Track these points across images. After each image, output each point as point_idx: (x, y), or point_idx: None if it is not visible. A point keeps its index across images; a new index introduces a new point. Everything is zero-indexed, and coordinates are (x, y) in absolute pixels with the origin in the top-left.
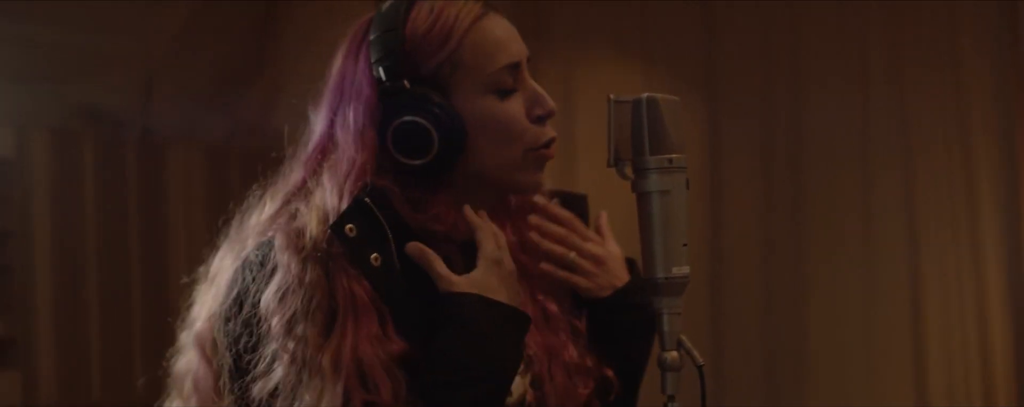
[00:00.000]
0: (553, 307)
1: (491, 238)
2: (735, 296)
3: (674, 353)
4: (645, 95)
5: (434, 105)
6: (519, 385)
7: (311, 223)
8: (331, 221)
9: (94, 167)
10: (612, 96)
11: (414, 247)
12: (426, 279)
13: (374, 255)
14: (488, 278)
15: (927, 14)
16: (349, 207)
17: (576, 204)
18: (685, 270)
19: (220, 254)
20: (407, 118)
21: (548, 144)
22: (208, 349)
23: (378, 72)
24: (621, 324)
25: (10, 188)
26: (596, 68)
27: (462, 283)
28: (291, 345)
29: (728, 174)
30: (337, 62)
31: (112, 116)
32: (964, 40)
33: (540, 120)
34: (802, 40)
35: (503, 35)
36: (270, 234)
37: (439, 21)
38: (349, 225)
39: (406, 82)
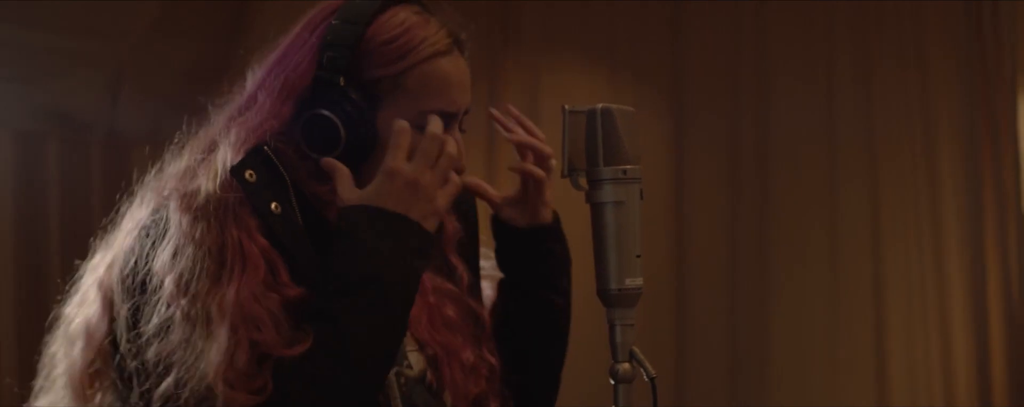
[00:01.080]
0: (451, 312)
1: (397, 148)
2: (699, 301)
3: (627, 365)
4: (600, 106)
5: (355, 110)
6: (419, 360)
7: (206, 180)
8: (222, 178)
9: (58, 169)
10: (567, 106)
11: (327, 162)
12: (325, 240)
13: (273, 203)
14: (380, 189)
15: (893, 17)
16: (249, 153)
17: (462, 205)
18: (638, 282)
19: (136, 204)
20: (323, 112)
21: None
22: (111, 298)
23: (322, 57)
24: (555, 253)
25: None
26: (562, 74)
27: (352, 198)
28: (184, 302)
29: (693, 178)
30: (294, 29)
31: (77, 117)
32: (930, 43)
33: None
34: (769, 45)
35: (455, 80)
36: (166, 197)
37: (401, 39)
38: (248, 171)
39: (342, 79)
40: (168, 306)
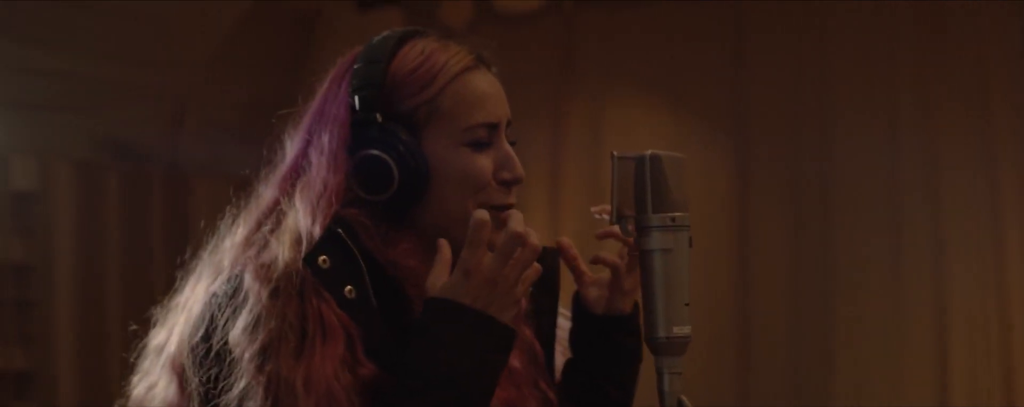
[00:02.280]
0: (517, 363)
1: (475, 245)
2: (762, 336)
3: None
4: (648, 152)
5: (400, 143)
6: None
7: (283, 249)
8: (304, 245)
9: (119, 201)
10: (615, 153)
11: (441, 242)
12: (404, 312)
13: (348, 288)
14: (457, 285)
15: (955, 53)
16: (322, 238)
17: (547, 259)
18: (686, 330)
19: (193, 280)
20: (371, 152)
21: (504, 208)
22: (182, 375)
23: (353, 101)
24: (625, 347)
25: (33, 221)
26: (625, 110)
27: (433, 287)
28: (263, 378)
29: (756, 214)
30: (323, 86)
31: (138, 149)
32: (993, 78)
33: (505, 184)
34: (831, 82)
35: (487, 91)
36: (239, 266)
37: (425, 65)
38: (322, 257)
39: (379, 116)
40: (247, 379)
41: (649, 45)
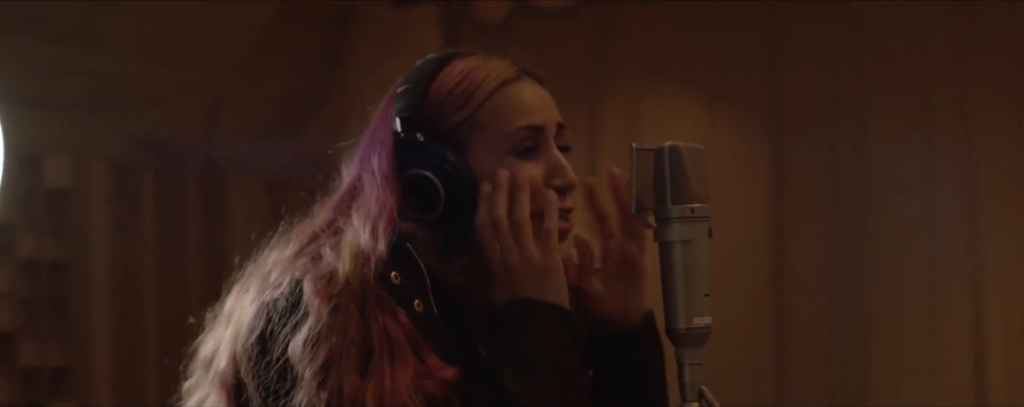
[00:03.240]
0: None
1: (502, 242)
2: (798, 330)
3: (695, 404)
4: (667, 144)
5: (444, 160)
6: None
7: (343, 263)
8: (372, 261)
9: (154, 198)
10: (635, 144)
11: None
12: (463, 325)
13: (417, 301)
14: (504, 281)
15: (991, 47)
16: (392, 254)
17: None
18: (707, 321)
19: (236, 290)
20: (415, 172)
21: (563, 213)
22: (233, 392)
23: (395, 123)
24: (644, 363)
25: (68, 219)
26: (661, 103)
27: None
28: (324, 395)
29: (792, 207)
30: (377, 110)
31: (173, 147)
32: None
33: (559, 191)
34: (867, 75)
35: (529, 101)
36: (296, 275)
37: (465, 81)
38: (393, 272)
39: (420, 135)
40: (308, 397)
41: (685, 40)
